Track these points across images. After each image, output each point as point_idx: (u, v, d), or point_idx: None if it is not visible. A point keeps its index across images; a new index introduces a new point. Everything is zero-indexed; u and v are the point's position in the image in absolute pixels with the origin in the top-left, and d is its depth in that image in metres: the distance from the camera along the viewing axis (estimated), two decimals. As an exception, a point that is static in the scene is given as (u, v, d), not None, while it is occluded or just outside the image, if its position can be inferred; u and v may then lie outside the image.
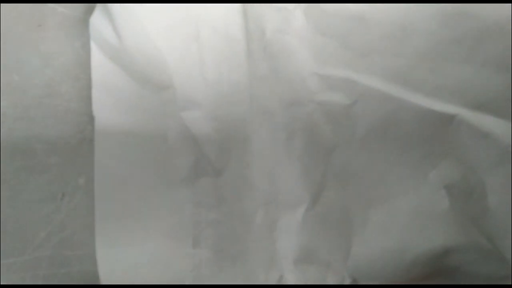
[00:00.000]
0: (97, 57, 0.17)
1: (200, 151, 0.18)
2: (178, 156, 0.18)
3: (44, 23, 0.19)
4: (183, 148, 0.18)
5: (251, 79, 0.18)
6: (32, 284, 0.17)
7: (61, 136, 0.19)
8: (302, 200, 0.18)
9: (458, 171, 0.16)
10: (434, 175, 0.16)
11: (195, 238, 0.18)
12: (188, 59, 0.17)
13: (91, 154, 0.18)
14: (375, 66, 0.16)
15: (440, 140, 0.16)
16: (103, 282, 0.17)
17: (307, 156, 0.18)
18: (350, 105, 0.17)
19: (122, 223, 0.17)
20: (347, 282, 0.17)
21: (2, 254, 0.18)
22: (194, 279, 0.17)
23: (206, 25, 0.17)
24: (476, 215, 0.16)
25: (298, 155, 0.18)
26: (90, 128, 0.19)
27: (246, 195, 0.18)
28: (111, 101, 0.17)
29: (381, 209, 0.17)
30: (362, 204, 0.17)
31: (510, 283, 0.16)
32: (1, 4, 0.18)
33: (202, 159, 0.18)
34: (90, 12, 0.18)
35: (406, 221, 0.17)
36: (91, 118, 0.18)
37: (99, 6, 0.17)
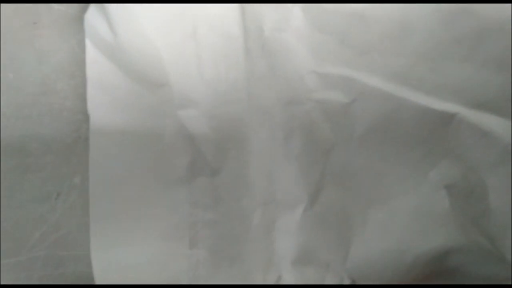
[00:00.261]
0: (92, 54, 0.17)
1: (197, 150, 0.18)
2: (174, 155, 0.17)
3: (39, 21, 0.19)
4: (179, 147, 0.17)
5: (248, 77, 0.17)
6: (33, 284, 0.17)
7: (56, 135, 0.18)
8: (301, 200, 0.18)
9: (458, 170, 0.16)
10: (434, 175, 0.16)
11: (191, 239, 0.17)
12: (185, 57, 0.17)
13: (87, 153, 0.17)
14: (375, 65, 0.16)
15: (440, 139, 0.16)
16: (98, 283, 0.16)
17: (306, 155, 0.17)
18: (349, 103, 0.17)
19: (117, 223, 0.17)
20: (346, 283, 0.17)
21: (-4, 255, 0.17)
22: (191, 280, 0.17)
23: (203, 22, 0.17)
24: (477, 215, 0.16)
25: (296, 154, 0.17)
26: (85, 127, 0.19)
27: (244, 195, 0.18)
28: (106, 99, 0.17)
29: (381, 209, 0.17)
30: (361, 204, 0.17)
31: (510, 284, 0.16)
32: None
33: (199, 159, 0.18)
34: (86, 10, 0.17)
35: (405, 221, 0.17)
36: (86, 117, 0.18)
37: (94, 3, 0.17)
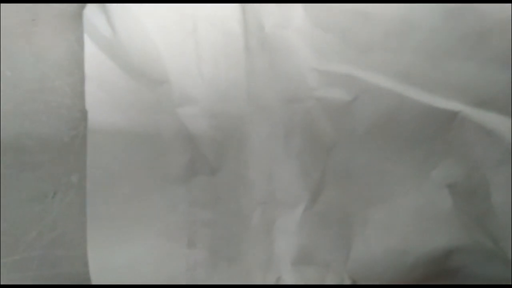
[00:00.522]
0: (90, 50, 0.16)
1: (196, 149, 0.17)
2: (173, 153, 0.17)
3: (37, 17, 0.19)
4: (178, 145, 0.17)
5: (249, 75, 0.17)
6: (34, 284, 0.17)
7: (53, 133, 0.18)
8: (301, 199, 0.17)
9: (461, 169, 0.16)
10: (436, 174, 0.16)
11: (190, 238, 0.17)
12: (185, 54, 0.17)
13: (84, 151, 0.17)
14: (377, 62, 0.16)
15: (443, 137, 0.16)
16: (94, 283, 0.16)
17: (306, 153, 0.17)
18: (351, 101, 0.16)
19: (114, 223, 0.16)
20: (347, 283, 0.17)
21: (-10, 254, 0.17)
22: (189, 280, 0.17)
23: (203, 19, 0.17)
24: (480, 215, 0.16)
25: (297, 152, 0.17)
26: (83, 125, 0.18)
27: (243, 194, 0.17)
28: (104, 95, 0.17)
29: (382, 208, 0.17)
30: (362, 203, 0.17)
31: (511, 284, 0.15)
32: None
33: (198, 157, 0.17)
34: (85, 6, 0.17)
35: (407, 221, 0.16)
36: (84, 115, 0.17)
37: (93, -1, 0.16)
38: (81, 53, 0.17)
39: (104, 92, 0.17)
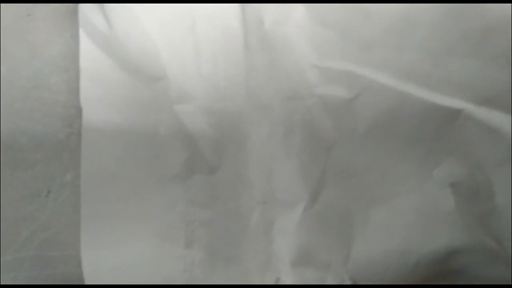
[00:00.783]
0: (86, 45, 0.16)
1: (194, 147, 0.17)
2: (170, 151, 0.17)
3: (33, 13, 0.18)
4: (176, 143, 0.17)
5: (248, 72, 0.17)
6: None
7: (48, 130, 0.18)
8: (300, 198, 0.17)
9: (464, 168, 0.15)
10: (438, 173, 0.16)
11: (187, 238, 0.17)
12: (183, 50, 0.16)
13: (79, 149, 0.17)
14: (378, 60, 0.15)
15: (445, 136, 0.15)
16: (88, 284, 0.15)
17: (306, 152, 0.17)
18: (352, 99, 0.16)
19: (109, 222, 0.16)
20: (347, 284, 0.16)
21: (-20, 255, 0.17)
22: (186, 281, 0.16)
23: (202, 15, 0.16)
24: (483, 215, 0.15)
25: (297, 151, 0.17)
26: (78, 122, 0.18)
27: (242, 193, 0.17)
28: (100, 92, 0.16)
29: (383, 208, 0.16)
30: (363, 203, 0.16)
31: (511, 283, 0.15)
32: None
33: (195, 155, 0.17)
34: (81, 2, 0.16)
35: (409, 221, 0.16)
36: (80, 112, 0.17)
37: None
38: (77, 50, 0.17)
39: (100, 89, 0.16)
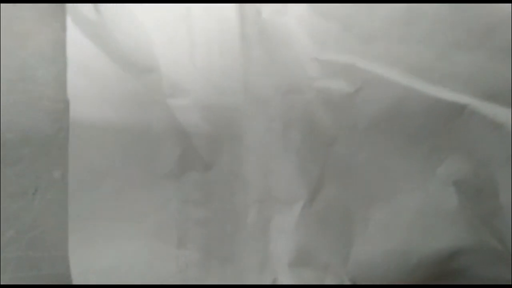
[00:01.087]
0: (73, 34, 0.15)
1: (188, 143, 0.16)
2: (163, 147, 0.16)
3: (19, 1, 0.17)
4: (169, 139, 0.16)
5: (245, 65, 0.16)
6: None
7: (34, 125, 0.17)
8: (299, 197, 0.16)
9: (469, 166, 0.15)
10: (442, 171, 0.15)
11: (180, 238, 0.16)
12: (176, 40, 0.16)
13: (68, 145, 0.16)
14: (380, 52, 0.15)
15: (449, 132, 0.15)
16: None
17: (305, 148, 0.16)
18: (353, 93, 0.15)
19: (98, 222, 0.15)
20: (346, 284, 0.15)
21: (-38, 255, 0.16)
22: (179, 282, 0.16)
23: (197, 4, 0.16)
24: (487, 214, 0.15)
25: (295, 147, 0.16)
26: (67, 117, 0.17)
27: (238, 191, 0.16)
28: (88, 84, 0.15)
29: (384, 207, 0.16)
30: (363, 201, 0.16)
31: (511, 283, 0.15)
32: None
33: (189, 152, 0.16)
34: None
35: (411, 220, 0.15)
36: (68, 106, 0.16)
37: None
38: (66, 40, 0.16)
39: (88, 81, 0.15)
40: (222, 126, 0.16)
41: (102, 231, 0.15)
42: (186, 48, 0.16)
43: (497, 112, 0.14)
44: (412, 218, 0.15)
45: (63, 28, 0.17)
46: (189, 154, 0.16)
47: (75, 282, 0.15)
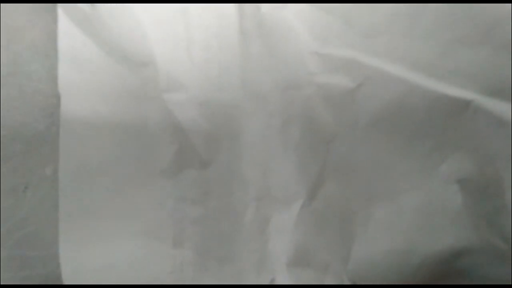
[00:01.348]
0: (65, 25, 0.14)
1: (185, 140, 0.16)
2: (159, 144, 0.15)
3: (11, -7, 0.16)
4: (165, 135, 0.15)
5: (243, 59, 0.16)
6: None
7: (26, 121, 0.16)
8: (298, 195, 0.16)
9: (473, 163, 0.14)
10: (445, 168, 0.15)
11: (176, 237, 0.15)
12: (173, 34, 0.15)
13: None
14: (383, 47, 0.14)
15: (453, 129, 0.14)
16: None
17: (305, 146, 0.16)
18: (354, 89, 0.15)
19: (91, 220, 0.15)
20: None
21: (-51, 255, 0.15)
22: (174, 282, 0.15)
23: (195, 3, 0.15)
24: (492, 213, 0.14)
25: (295, 144, 0.16)
26: (60, 112, 0.16)
27: (236, 189, 0.16)
28: (80, 78, 0.15)
29: (386, 206, 0.15)
30: (364, 200, 0.15)
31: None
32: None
33: (186, 149, 0.16)
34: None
35: (413, 220, 0.15)
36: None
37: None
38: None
39: (81, 74, 0.15)
40: (220, 123, 0.16)
41: (94, 230, 0.15)
42: (183, 42, 0.15)
43: (503, 108, 0.14)
44: (414, 217, 0.15)
45: (56, 21, 0.16)
46: (186, 151, 0.16)
47: (66, 282, 0.14)
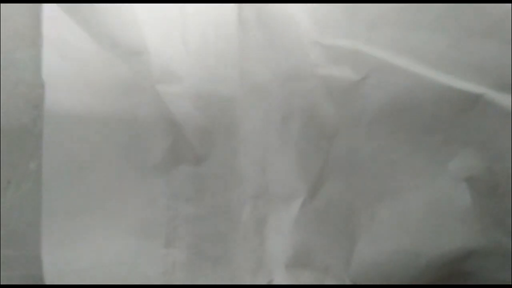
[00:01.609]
0: (50, 9, 0.14)
1: (179, 134, 0.15)
2: (151, 138, 0.15)
3: (-5, -22, 0.15)
4: (157, 128, 0.15)
5: (242, 50, 0.15)
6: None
7: (10, 112, 0.15)
8: (298, 192, 0.15)
9: (482, 161, 0.14)
10: (453, 166, 0.14)
11: (168, 236, 0.15)
12: (167, 21, 0.14)
13: None
14: (388, 38, 0.14)
15: (462, 124, 0.14)
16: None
17: (305, 141, 0.15)
18: (358, 81, 0.14)
19: (76, 218, 0.14)
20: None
21: None
22: (166, 283, 0.15)
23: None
24: (502, 213, 0.14)
25: (295, 140, 0.15)
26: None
27: (232, 186, 0.15)
28: (67, 67, 0.14)
29: (391, 205, 0.15)
30: (368, 199, 0.15)
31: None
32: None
33: (180, 143, 0.15)
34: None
35: (419, 219, 0.15)
36: None
37: None
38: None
39: (66, 63, 0.14)
40: (216, 116, 0.15)
41: (80, 229, 0.14)
42: (178, 29, 0.14)
43: (514, 103, 0.13)
44: (421, 217, 0.15)
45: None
46: (179, 146, 0.15)
47: (49, 283, 0.14)
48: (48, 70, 0.14)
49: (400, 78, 0.14)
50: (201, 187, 0.15)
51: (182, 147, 0.15)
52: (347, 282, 0.15)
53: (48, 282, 0.13)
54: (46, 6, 0.14)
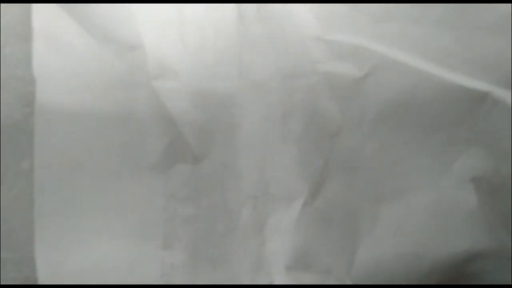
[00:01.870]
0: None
1: (176, 132, 0.15)
2: (148, 136, 0.14)
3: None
4: (154, 126, 0.14)
5: (241, 45, 0.15)
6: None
7: (2, 110, 0.15)
8: (299, 193, 0.15)
9: (488, 161, 0.14)
10: (459, 166, 0.14)
11: (165, 237, 0.14)
12: (164, 15, 0.14)
13: None
14: (392, 34, 0.14)
15: (468, 123, 0.14)
16: None
17: (307, 139, 0.15)
18: (361, 78, 0.14)
19: (70, 219, 0.13)
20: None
21: None
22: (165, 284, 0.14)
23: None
24: (508, 214, 0.14)
25: (296, 138, 0.15)
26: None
27: (231, 186, 0.15)
28: (59, 62, 0.13)
29: (394, 205, 0.15)
30: (371, 199, 0.15)
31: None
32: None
33: (178, 142, 0.15)
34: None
35: (423, 221, 0.14)
36: None
37: None
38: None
39: (59, 57, 0.13)
40: (214, 114, 0.15)
41: (74, 230, 0.13)
42: (175, 24, 0.14)
43: (522, 101, 0.13)
44: (425, 218, 0.14)
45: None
46: (177, 145, 0.15)
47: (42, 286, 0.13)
48: (39, 65, 0.13)
49: (403, 75, 0.14)
50: (199, 187, 0.15)
51: (179, 146, 0.15)
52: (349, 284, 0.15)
53: (42, 283, 0.13)
54: (36, -2, 0.13)
